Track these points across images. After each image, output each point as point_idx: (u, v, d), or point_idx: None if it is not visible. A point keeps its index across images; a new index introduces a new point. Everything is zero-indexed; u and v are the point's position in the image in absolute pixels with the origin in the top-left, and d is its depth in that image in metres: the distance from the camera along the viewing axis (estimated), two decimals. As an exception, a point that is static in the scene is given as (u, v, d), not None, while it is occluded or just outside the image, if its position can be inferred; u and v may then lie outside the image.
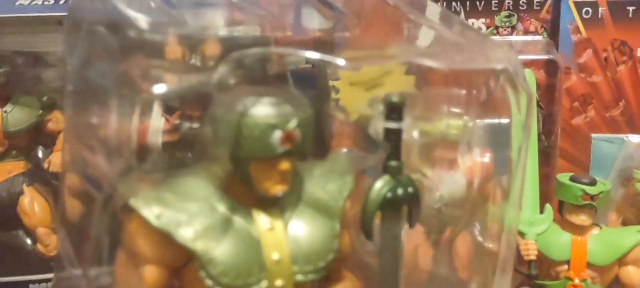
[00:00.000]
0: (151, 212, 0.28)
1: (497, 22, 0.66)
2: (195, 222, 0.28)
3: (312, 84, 0.48)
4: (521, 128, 0.35)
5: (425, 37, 0.48)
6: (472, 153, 0.54)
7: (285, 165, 0.28)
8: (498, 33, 0.66)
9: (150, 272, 0.28)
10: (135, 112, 0.28)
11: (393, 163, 0.31)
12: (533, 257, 0.50)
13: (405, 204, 0.31)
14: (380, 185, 0.31)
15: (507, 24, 0.66)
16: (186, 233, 0.28)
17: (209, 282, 0.28)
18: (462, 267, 0.55)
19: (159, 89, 0.26)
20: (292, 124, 0.28)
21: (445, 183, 0.52)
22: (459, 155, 0.53)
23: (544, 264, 0.52)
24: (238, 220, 0.29)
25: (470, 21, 0.67)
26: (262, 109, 0.28)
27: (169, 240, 0.28)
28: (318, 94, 0.47)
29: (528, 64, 0.64)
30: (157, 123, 0.36)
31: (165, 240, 0.28)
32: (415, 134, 0.32)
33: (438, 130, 0.49)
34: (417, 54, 0.32)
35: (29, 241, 0.58)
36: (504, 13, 0.66)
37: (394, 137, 0.30)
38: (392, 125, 0.30)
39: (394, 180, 0.31)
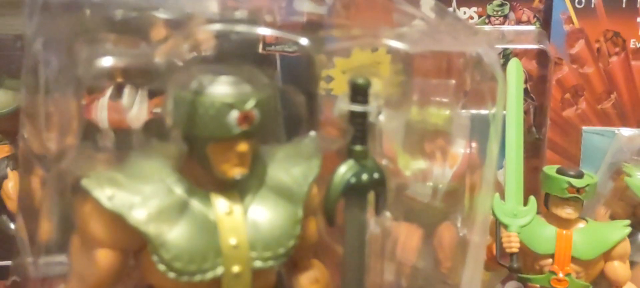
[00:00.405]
0: (103, 193, 0.27)
1: (489, 11, 0.65)
2: (149, 204, 0.27)
3: (302, 69, 0.47)
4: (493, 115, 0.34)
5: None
6: (457, 143, 0.53)
7: (243, 146, 0.27)
8: (490, 22, 0.65)
9: (104, 256, 0.28)
10: (84, 88, 0.27)
11: (358, 147, 0.30)
12: (515, 250, 0.49)
13: (371, 190, 0.30)
14: (343, 170, 0.30)
15: (500, 13, 0.65)
16: (139, 216, 0.27)
17: (161, 267, 0.27)
18: (445, 258, 0.54)
19: (106, 62, 0.25)
20: (250, 103, 0.27)
21: (437, 175, 0.51)
22: (446, 145, 0.52)
23: (528, 257, 0.50)
24: (195, 204, 0.28)
25: (462, 10, 0.66)
26: (218, 88, 0.27)
27: (123, 222, 0.27)
28: (305, 80, 0.46)
29: (520, 54, 0.63)
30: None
31: (119, 223, 0.27)
32: (382, 117, 0.31)
33: (425, 119, 0.49)
34: (386, 36, 0.31)
35: (12, 226, 0.57)
36: (497, 2, 0.65)
37: (359, 121, 0.29)
38: (357, 108, 0.29)
39: (359, 165, 0.30)
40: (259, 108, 0.27)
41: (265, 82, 0.28)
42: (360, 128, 0.29)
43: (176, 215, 0.27)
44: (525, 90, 0.62)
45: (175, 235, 0.27)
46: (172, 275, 0.27)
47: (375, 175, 0.30)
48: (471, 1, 0.65)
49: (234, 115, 0.27)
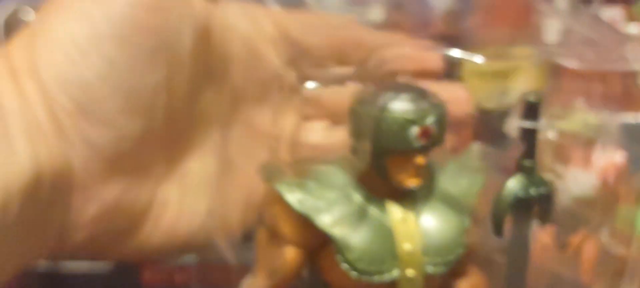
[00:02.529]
0: (294, 197, 0.30)
1: (637, 11, 0.62)
2: (333, 209, 0.30)
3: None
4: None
5: (551, 28, 0.47)
6: (606, 151, 0.52)
7: (421, 159, 0.29)
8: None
9: (291, 252, 0.31)
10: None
11: (527, 162, 0.31)
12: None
13: (537, 204, 0.31)
14: (512, 184, 0.31)
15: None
16: (325, 220, 0.30)
17: (345, 266, 0.29)
18: (587, 270, 0.53)
19: (310, 86, 0.28)
20: (430, 119, 0.29)
21: (575, 182, 0.51)
22: (592, 153, 0.52)
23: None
24: (372, 210, 0.30)
25: (605, 11, 0.64)
26: (401, 105, 0.29)
27: (309, 224, 0.30)
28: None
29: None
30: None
31: (305, 224, 0.30)
32: (552, 134, 0.32)
33: (573, 127, 0.48)
34: (551, 52, 0.32)
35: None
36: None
37: (529, 137, 0.30)
38: (528, 124, 0.30)
39: (527, 180, 0.31)
40: (437, 123, 0.29)
41: (440, 99, 0.30)
42: (530, 144, 0.30)
43: (357, 220, 0.30)
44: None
45: (357, 238, 0.29)
46: (354, 274, 0.29)
47: (542, 190, 0.31)
48: (615, 0, 0.63)
49: (415, 130, 0.29)
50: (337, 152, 0.31)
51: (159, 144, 0.32)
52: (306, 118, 0.34)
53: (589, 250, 0.52)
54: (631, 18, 0.60)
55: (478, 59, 0.30)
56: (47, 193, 0.29)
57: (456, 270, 0.34)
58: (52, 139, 0.30)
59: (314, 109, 0.34)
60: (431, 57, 0.33)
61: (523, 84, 0.50)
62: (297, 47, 0.33)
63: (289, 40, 0.33)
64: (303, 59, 0.33)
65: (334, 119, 0.34)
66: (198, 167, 0.34)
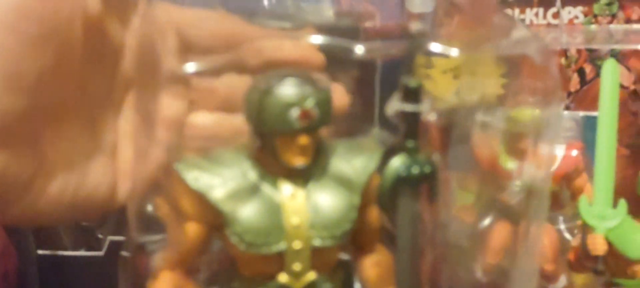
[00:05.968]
0: (191, 175, 0.32)
1: (596, 10, 0.63)
2: (227, 185, 0.32)
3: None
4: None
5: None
6: (551, 144, 0.54)
7: (304, 140, 0.32)
8: (596, 21, 0.63)
9: (191, 227, 0.33)
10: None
11: (409, 143, 0.33)
12: (600, 252, 0.48)
13: (422, 182, 0.33)
14: (396, 164, 0.33)
15: (607, 12, 0.63)
16: (217, 195, 0.32)
17: (234, 239, 0.32)
18: (545, 260, 0.55)
19: (190, 67, 0.31)
20: (309, 102, 0.31)
21: (524, 174, 0.52)
22: (535, 146, 0.53)
23: (620, 262, 0.50)
24: (265, 187, 0.33)
25: (567, 9, 0.65)
26: (282, 89, 0.31)
27: (206, 200, 0.32)
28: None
29: (629, 54, 0.60)
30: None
31: (203, 201, 0.33)
32: (432, 116, 0.33)
33: (515, 119, 0.50)
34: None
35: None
36: (604, 0, 0.63)
37: (410, 119, 0.32)
38: (409, 108, 0.32)
39: (410, 159, 0.33)
40: (318, 106, 0.31)
41: (324, 84, 0.32)
42: (411, 125, 0.32)
43: (248, 196, 0.32)
44: (635, 92, 0.60)
45: (246, 213, 0.32)
46: (242, 246, 0.32)
47: (426, 169, 0.33)
48: (577, 0, 0.64)
49: (296, 112, 0.31)
50: (223, 136, 0.33)
51: (45, 121, 0.35)
52: (197, 106, 0.37)
53: (548, 240, 0.54)
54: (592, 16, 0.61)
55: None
56: None
57: (363, 248, 0.36)
58: None
59: (206, 98, 0.37)
60: (311, 50, 0.36)
61: (485, 79, 0.51)
62: (186, 39, 0.35)
63: (179, 33, 0.36)
64: (192, 51, 0.35)
65: (225, 107, 0.37)
66: (87, 143, 0.37)
